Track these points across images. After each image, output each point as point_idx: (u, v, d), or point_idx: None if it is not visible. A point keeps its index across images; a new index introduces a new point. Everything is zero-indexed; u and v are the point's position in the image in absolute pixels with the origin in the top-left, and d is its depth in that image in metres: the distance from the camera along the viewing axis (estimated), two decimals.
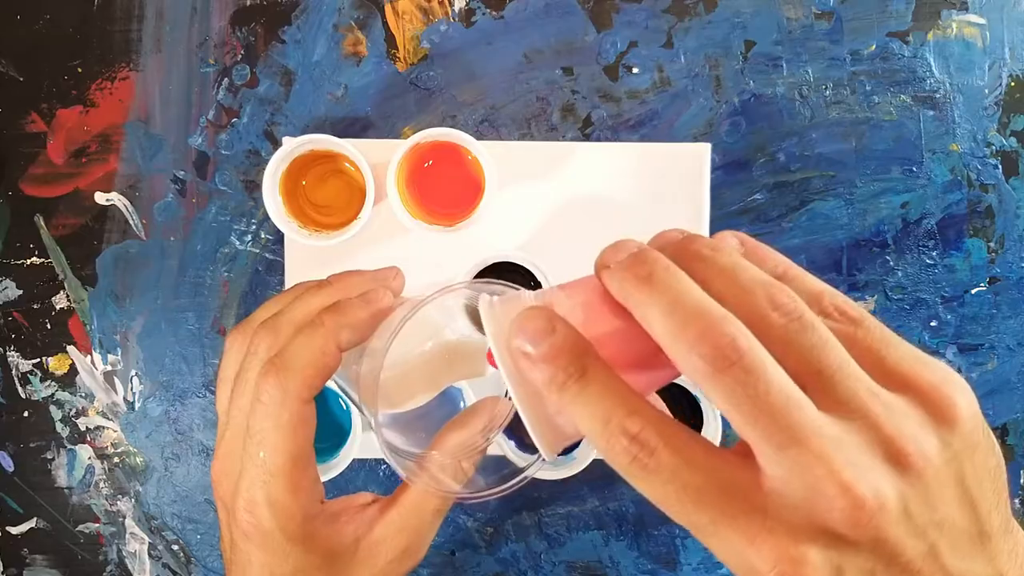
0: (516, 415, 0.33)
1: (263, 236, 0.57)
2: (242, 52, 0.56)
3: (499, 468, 0.61)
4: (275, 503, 0.30)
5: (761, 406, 0.19)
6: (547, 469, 0.53)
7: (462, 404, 0.42)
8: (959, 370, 0.58)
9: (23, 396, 0.58)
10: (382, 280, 0.35)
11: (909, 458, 0.19)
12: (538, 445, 0.23)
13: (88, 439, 0.58)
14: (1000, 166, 0.57)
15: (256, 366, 0.31)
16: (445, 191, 0.54)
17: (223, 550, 0.33)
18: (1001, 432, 0.58)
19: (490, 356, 0.29)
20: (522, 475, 0.31)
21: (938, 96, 0.57)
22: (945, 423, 0.20)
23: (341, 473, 0.52)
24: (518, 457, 0.53)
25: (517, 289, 0.28)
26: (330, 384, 0.38)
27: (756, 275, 0.21)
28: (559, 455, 0.56)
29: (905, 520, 0.19)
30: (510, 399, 0.33)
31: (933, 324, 0.58)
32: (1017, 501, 0.59)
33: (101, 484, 0.58)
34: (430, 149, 0.53)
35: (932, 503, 0.20)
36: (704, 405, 0.53)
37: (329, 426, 0.54)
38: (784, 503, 0.19)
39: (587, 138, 0.56)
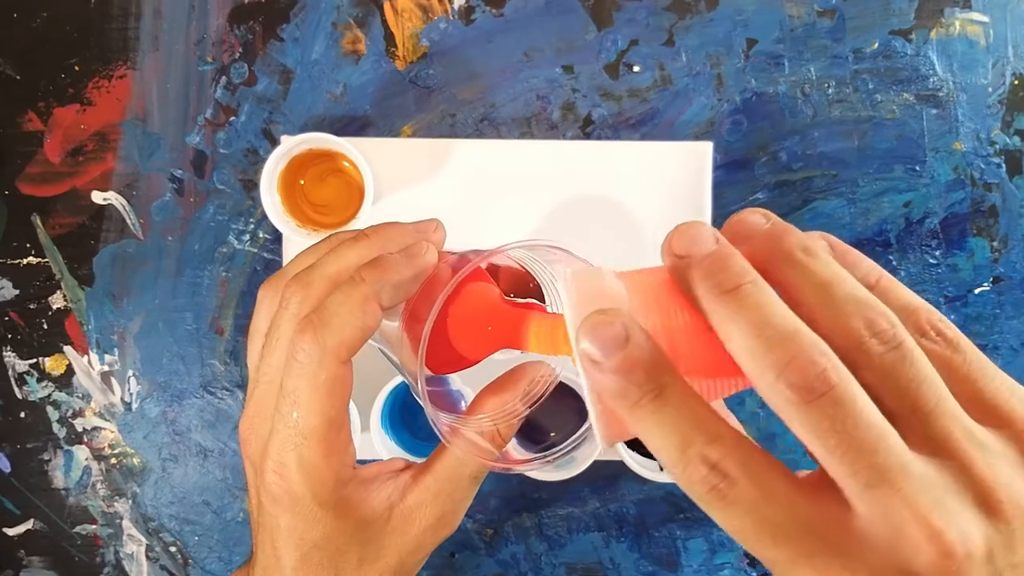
0: (560, 384, 0.32)
1: (261, 235, 0.56)
2: (240, 50, 0.56)
3: (536, 443, 0.60)
4: (307, 466, 0.28)
5: (849, 442, 0.18)
6: (547, 470, 0.52)
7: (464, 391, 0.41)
8: None
9: (19, 397, 0.57)
10: (424, 233, 0.32)
11: (1000, 504, 0.19)
12: (598, 436, 0.22)
13: (85, 440, 0.58)
14: (1004, 165, 0.57)
15: (288, 321, 0.29)
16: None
17: (250, 511, 0.32)
18: None
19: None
20: (565, 447, 0.29)
21: (941, 94, 0.56)
22: None
23: None
24: (518, 453, 0.52)
25: (569, 253, 0.26)
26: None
27: (852, 291, 0.20)
28: (569, 453, 0.55)
29: (987, 565, 0.18)
30: (551, 365, 0.31)
31: None
32: None
33: (98, 485, 0.58)
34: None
35: (1013, 547, 0.19)
36: None
37: None
38: (867, 544, 0.18)
39: (588, 137, 0.56)
